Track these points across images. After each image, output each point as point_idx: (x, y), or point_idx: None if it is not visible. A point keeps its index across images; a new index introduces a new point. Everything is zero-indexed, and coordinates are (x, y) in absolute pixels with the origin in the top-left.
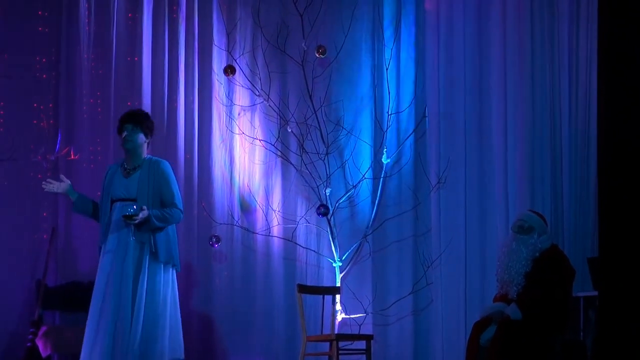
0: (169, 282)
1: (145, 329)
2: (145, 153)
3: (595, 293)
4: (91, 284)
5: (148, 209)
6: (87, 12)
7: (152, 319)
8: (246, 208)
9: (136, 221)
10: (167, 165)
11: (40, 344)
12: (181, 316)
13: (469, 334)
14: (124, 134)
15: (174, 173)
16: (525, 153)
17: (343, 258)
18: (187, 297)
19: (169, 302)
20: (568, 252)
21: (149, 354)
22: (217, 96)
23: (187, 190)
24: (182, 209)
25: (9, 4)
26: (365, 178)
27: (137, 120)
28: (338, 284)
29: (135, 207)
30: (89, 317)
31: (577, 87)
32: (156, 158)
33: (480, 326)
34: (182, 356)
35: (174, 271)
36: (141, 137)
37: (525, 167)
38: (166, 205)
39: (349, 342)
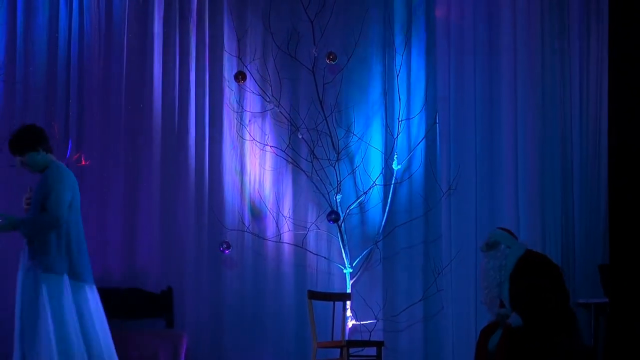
0: (55, 296)
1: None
2: (47, 161)
3: (606, 300)
4: (101, 290)
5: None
6: (98, 17)
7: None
8: (257, 214)
9: None
10: (52, 171)
11: None
12: (192, 321)
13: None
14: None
15: (185, 178)
16: (535, 159)
17: (353, 264)
18: (197, 303)
19: (55, 317)
20: (579, 259)
21: None
22: (227, 102)
23: (198, 196)
24: (55, 213)
25: (21, 11)
26: (375, 184)
27: (15, 149)
28: (348, 291)
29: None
30: None
31: (588, 92)
32: (52, 164)
33: (487, 331)
34: None
35: (80, 284)
36: (31, 156)
37: (535, 174)
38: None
39: (360, 349)
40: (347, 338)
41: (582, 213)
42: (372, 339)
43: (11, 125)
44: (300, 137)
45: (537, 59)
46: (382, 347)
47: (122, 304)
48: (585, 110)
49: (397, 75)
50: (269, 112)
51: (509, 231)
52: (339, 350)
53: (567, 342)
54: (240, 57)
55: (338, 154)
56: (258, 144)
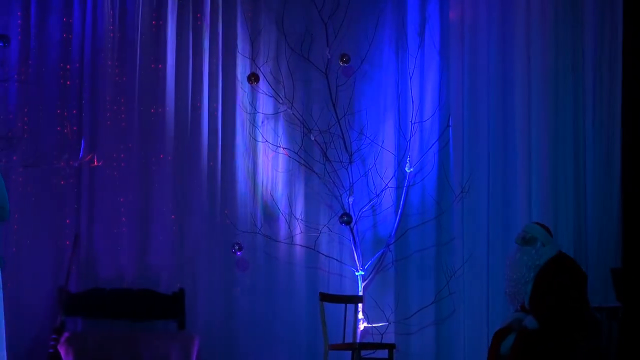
0: None
1: None
2: None
3: (619, 304)
4: (114, 291)
5: None
6: (111, 19)
7: None
8: (269, 216)
9: None
10: None
11: (62, 350)
12: (204, 322)
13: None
14: None
15: (197, 180)
16: (548, 162)
17: (365, 267)
18: (209, 305)
19: None
20: (591, 262)
21: None
22: (240, 104)
23: (210, 197)
24: (6, 206)
25: (34, 11)
26: (388, 187)
27: None
28: (360, 293)
29: None
30: None
31: (602, 94)
32: None
33: (500, 335)
34: None
35: None
36: None
37: (548, 177)
38: None
39: (371, 351)
40: (358, 340)
41: (595, 216)
42: (383, 341)
43: (24, 125)
44: (313, 139)
45: (550, 60)
46: (394, 350)
47: (134, 306)
48: (599, 112)
49: (410, 78)
50: (281, 113)
51: (546, 228)
52: (350, 352)
53: (584, 343)
54: (253, 59)
55: (350, 156)
56: (270, 145)
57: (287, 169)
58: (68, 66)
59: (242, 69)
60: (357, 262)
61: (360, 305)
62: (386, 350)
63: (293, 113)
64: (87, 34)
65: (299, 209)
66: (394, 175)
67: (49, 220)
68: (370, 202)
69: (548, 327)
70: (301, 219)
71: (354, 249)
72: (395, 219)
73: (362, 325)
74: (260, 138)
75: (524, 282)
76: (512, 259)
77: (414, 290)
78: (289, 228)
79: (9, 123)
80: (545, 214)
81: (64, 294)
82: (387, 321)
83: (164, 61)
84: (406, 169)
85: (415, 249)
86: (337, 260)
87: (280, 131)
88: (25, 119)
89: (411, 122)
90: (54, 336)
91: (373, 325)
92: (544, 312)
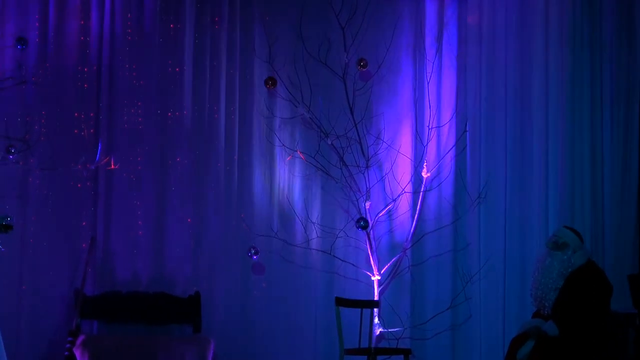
0: None
1: None
2: None
3: (635, 311)
4: (130, 294)
5: None
6: (129, 22)
7: None
8: (285, 220)
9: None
10: None
11: (77, 353)
12: (220, 326)
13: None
14: None
15: (214, 184)
16: (565, 168)
17: (382, 272)
18: (225, 308)
19: None
20: (608, 268)
21: None
22: (257, 108)
23: (227, 201)
24: None
25: (52, 14)
26: (405, 192)
27: None
28: (376, 298)
29: (9, 217)
30: None
31: (619, 100)
32: None
33: (517, 341)
34: None
35: None
36: None
37: (565, 183)
38: None
39: (387, 356)
40: (374, 345)
41: (612, 222)
42: (399, 346)
43: (41, 128)
44: (330, 143)
45: (568, 66)
46: (410, 355)
47: (149, 309)
48: (616, 118)
49: (428, 83)
50: (298, 118)
51: (577, 233)
52: (365, 357)
53: (604, 354)
54: (271, 63)
55: (367, 160)
56: (287, 149)
57: (303, 173)
58: (85, 69)
59: (259, 73)
60: (373, 267)
61: (376, 310)
62: (402, 356)
63: (310, 117)
64: (104, 36)
65: (316, 213)
66: (411, 180)
67: (66, 222)
68: (386, 207)
69: (568, 335)
70: (317, 223)
71: (370, 253)
72: (412, 224)
73: (377, 330)
74: (277, 142)
75: (553, 287)
76: (543, 264)
77: (430, 296)
78: (305, 232)
79: (26, 125)
80: (562, 220)
81: (80, 297)
82: (403, 326)
83: (181, 64)
84: (423, 174)
85: (431, 254)
86: (353, 264)
87: (297, 135)
88: (42, 121)
89: (428, 127)
90: (69, 339)
91: (389, 330)
92: (565, 319)
